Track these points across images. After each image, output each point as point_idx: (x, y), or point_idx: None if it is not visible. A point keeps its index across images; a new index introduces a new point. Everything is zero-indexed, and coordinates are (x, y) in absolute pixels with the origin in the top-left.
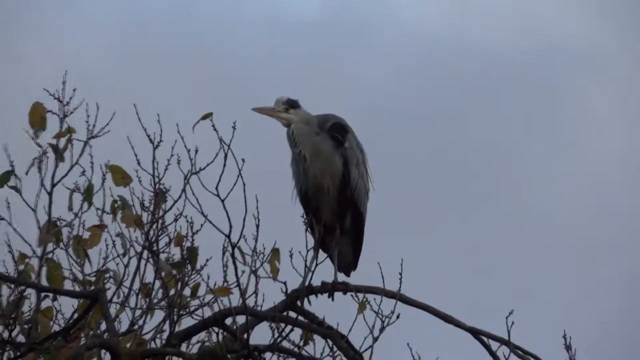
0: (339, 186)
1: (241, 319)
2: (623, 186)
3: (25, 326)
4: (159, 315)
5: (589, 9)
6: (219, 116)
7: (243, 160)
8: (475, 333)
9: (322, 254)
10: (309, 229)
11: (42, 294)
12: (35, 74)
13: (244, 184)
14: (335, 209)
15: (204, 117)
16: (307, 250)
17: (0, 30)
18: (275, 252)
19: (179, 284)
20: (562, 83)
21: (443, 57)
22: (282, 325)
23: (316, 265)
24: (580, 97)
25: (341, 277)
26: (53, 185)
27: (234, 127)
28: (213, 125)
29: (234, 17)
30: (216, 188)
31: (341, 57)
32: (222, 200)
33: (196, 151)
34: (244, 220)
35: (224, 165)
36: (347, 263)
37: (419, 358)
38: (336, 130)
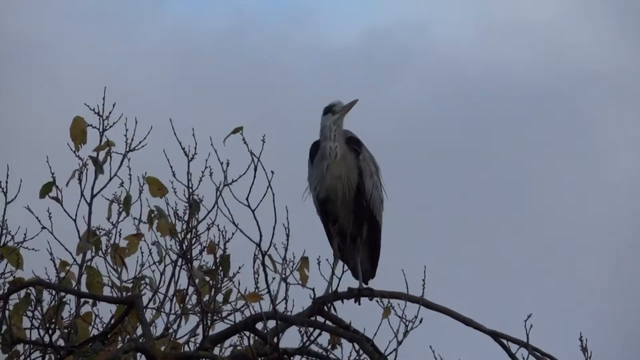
0: (354, 196)
1: (271, 324)
2: None
3: (65, 330)
4: (192, 320)
5: (620, 34)
6: (256, 132)
7: (272, 172)
8: (495, 336)
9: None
10: (329, 239)
11: (82, 300)
12: (80, 92)
13: (274, 195)
14: (352, 218)
15: (235, 131)
16: (336, 259)
17: (48, 52)
18: (305, 260)
19: (212, 290)
20: (591, 105)
21: (475, 81)
22: (311, 329)
23: (342, 272)
24: (607, 118)
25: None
26: (92, 196)
27: (263, 141)
28: (243, 139)
29: (278, 44)
30: (247, 199)
31: (378, 83)
32: (253, 211)
33: (227, 164)
34: (274, 229)
35: (254, 177)
36: (365, 272)
37: None
38: (353, 143)
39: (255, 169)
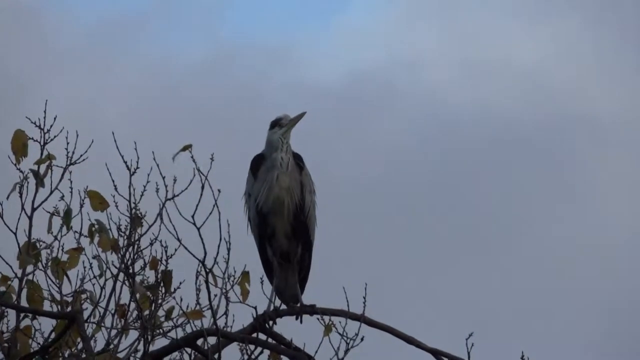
0: (295, 210)
1: (212, 340)
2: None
3: (5, 345)
4: (133, 335)
5: (605, 75)
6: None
7: (219, 190)
8: (437, 354)
9: None
10: (261, 256)
11: (22, 314)
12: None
13: (219, 213)
14: (290, 233)
15: (184, 149)
16: (275, 276)
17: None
18: (246, 275)
19: (153, 305)
20: (578, 147)
21: (462, 120)
22: (252, 346)
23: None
24: (595, 161)
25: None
26: (33, 210)
27: (211, 159)
28: (192, 156)
29: (262, 82)
30: (192, 217)
31: (362, 123)
32: (198, 229)
33: (174, 180)
34: (219, 247)
35: (201, 195)
36: (293, 294)
37: None
38: (297, 159)
39: (202, 187)
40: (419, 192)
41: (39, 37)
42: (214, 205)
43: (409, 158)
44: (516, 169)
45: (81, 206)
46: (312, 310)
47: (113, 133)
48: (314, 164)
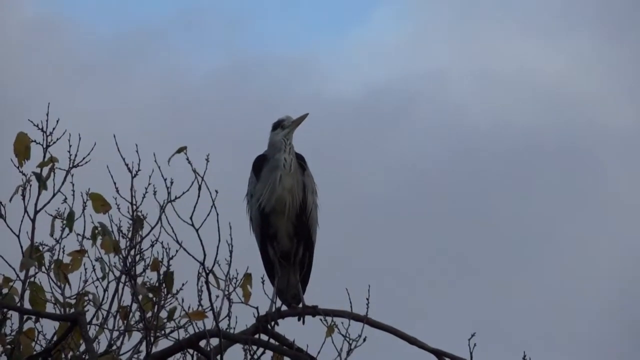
0: (298, 210)
1: (215, 342)
2: None
3: (8, 347)
4: (136, 336)
5: (624, 86)
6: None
7: (216, 191)
8: (439, 354)
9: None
10: (263, 257)
11: (25, 316)
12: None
13: (217, 214)
14: (292, 233)
15: (179, 151)
16: (277, 277)
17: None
18: (248, 276)
19: (156, 307)
20: (600, 158)
21: (481, 132)
22: (254, 347)
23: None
24: (616, 173)
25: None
26: (36, 212)
27: (207, 160)
28: (187, 159)
29: (281, 94)
30: (191, 218)
31: (381, 134)
32: (197, 230)
33: (171, 182)
34: (218, 248)
35: (198, 196)
36: (294, 295)
37: None
38: (300, 159)
39: (199, 188)
40: (430, 199)
41: (57, 50)
42: (211, 207)
43: (426, 169)
44: (534, 180)
45: (83, 208)
46: (314, 311)
47: (114, 136)
48: (331, 172)
